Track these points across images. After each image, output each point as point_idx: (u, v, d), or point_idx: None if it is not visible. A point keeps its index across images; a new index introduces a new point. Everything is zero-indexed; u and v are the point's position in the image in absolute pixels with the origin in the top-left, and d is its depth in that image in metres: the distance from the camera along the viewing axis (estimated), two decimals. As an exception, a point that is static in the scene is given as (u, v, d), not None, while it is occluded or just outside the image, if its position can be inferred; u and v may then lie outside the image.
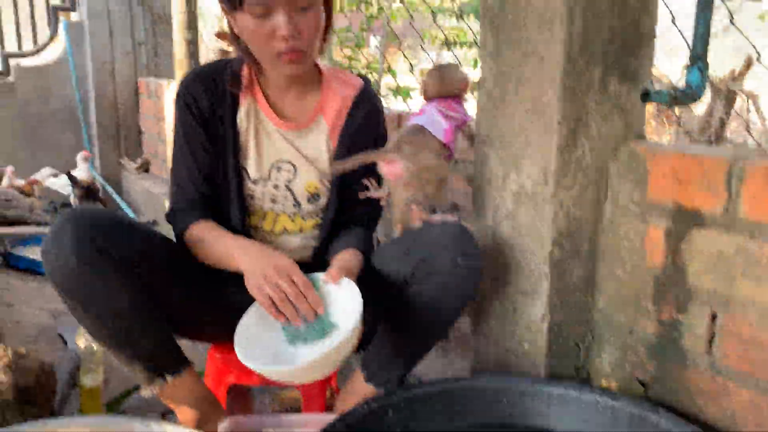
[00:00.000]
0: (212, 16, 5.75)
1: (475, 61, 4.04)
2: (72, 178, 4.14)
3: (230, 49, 3.48)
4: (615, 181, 1.26)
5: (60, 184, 4.14)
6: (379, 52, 4.81)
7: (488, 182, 1.36)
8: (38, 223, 3.33)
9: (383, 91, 4.90)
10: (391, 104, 4.57)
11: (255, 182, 1.39)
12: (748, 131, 4.36)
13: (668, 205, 1.16)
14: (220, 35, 3.33)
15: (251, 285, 1.19)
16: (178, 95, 1.37)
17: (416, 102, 2.81)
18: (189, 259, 1.34)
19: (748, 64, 4.10)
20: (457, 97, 1.40)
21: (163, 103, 4.07)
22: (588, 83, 1.21)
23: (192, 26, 3.63)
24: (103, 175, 4.54)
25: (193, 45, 3.64)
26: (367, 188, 1.38)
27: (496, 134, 1.32)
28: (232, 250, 1.27)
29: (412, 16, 3.81)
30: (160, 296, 1.26)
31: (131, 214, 4.04)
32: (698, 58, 1.09)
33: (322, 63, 1.42)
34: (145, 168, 4.54)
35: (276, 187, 1.39)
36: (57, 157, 4.50)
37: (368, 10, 4.20)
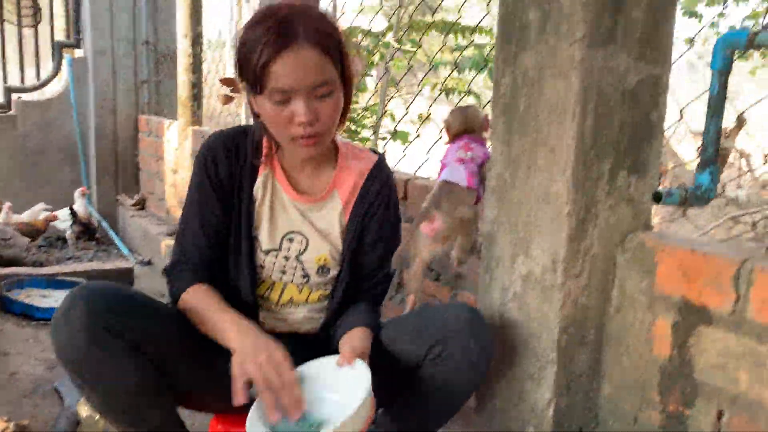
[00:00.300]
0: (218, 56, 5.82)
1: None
2: (74, 213, 4.13)
3: (235, 94, 3.52)
4: (622, 271, 1.28)
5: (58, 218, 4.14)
6: (379, 98, 4.87)
7: (496, 263, 1.37)
8: (34, 263, 3.32)
9: (381, 132, 4.95)
10: (388, 147, 4.61)
11: (266, 252, 1.40)
12: (740, 187, 4.43)
13: (676, 299, 1.18)
14: (226, 81, 3.37)
15: (236, 362, 1.17)
16: (199, 157, 1.39)
17: (413, 147, 2.84)
18: (194, 328, 1.34)
19: (740, 124, 4.17)
20: (478, 135, 1.56)
21: (163, 143, 4.09)
22: (598, 175, 1.23)
23: (196, 69, 3.67)
24: (99, 211, 4.54)
25: (196, 88, 3.68)
26: (382, 264, 1.40)
27: (506, 217, 1.34)
28: (228, 327, 1.26)
29: (411, 66, 3.87)
30: (167, 372, 1.26)
31: (126, 251, 4.03)
32: (710, 161, 1.12)
33: (339, 138, 1.44)
34: (141, 205, 4.54)
35: (287, 258, 1.40)
36: (54, 192, 4.50)
37: (369, 57, 4.26)
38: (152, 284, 3.50)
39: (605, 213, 1.26)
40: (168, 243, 3.69)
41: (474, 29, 4.03)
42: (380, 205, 1.41)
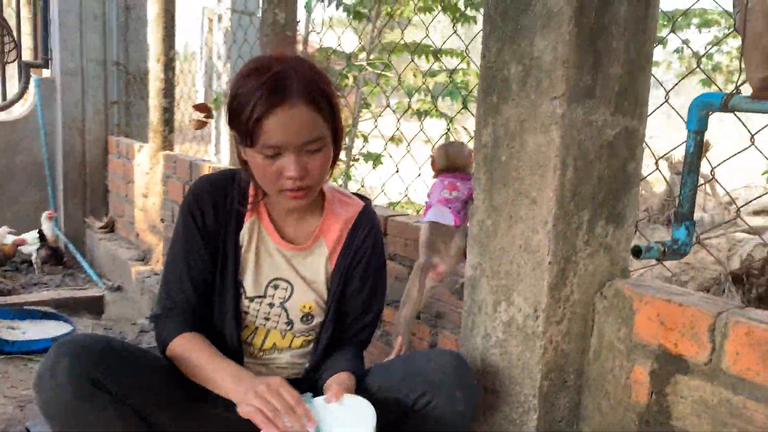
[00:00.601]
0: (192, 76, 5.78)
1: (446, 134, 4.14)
2: (42, 236, 4.05)
3: (207, 120, 3.50)
4: (601, 317, 1.31)
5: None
6: (351, 118, 4.89)
7: (479, 308, 1.39)
8: (0, 291, 3.25)
9: (354, 152, 4.97)
10: (360, 169, 4.63)
11: (251, 299, 1.40)
12: (704, 210, 4.56)
13: (654, 347, 1.22)
14: (199, 107, 3.36)
15: (241, 401, 1.17)
16: (186, 204, 1.39)
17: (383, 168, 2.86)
18: (179, 375, 1.33)
19: (706, 148, 4.28)
20: (462, 170, 1.61)
21: (133, 166, 4.05)
22: (577, 225, 1.27)
23: (168, 94, 3.65)
24: (66, 234, 4.46)
25: (168, 112, 3.65)
26: (366, 309, 1.42)
27: (488, 264, 1.37)
28: (224, 375, 1.26)
29: (387, 95, 3.90)
30: (153, 422, 1.26)
31: (94, 276, 3.96)
32: (685, 217, 1.16)
33: (326, 184, 1.45)
34: (110, 228, 4.48)
35: (271, 305, 1.41)
36: (19, 215, 4.41)
37: (343, 81, 4.28)
38: (123, 311, 3.45)
39: (584, 261, 1.29)
40: (138, 269, 3.65)
41: (438, 52, 4.09)
42: (366, 252, 1.42)
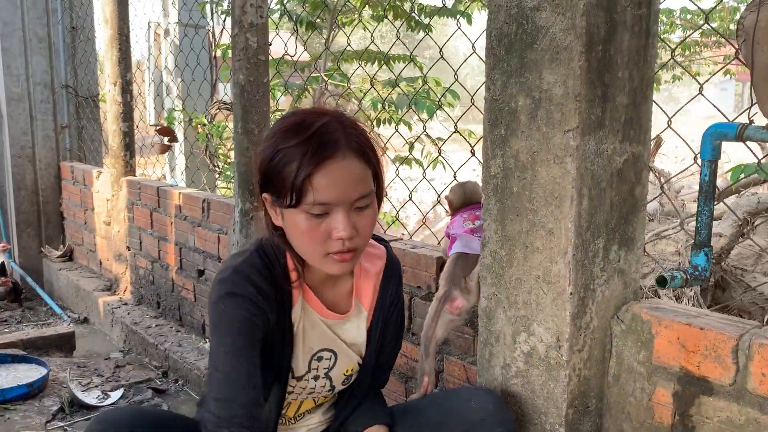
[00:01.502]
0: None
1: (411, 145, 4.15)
2: (3, 270, 3.88)
3: (171, 143, 3.41)
4: (619, 341, 1.33)
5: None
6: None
7: (496, 339, 1.40)
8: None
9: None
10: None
11: (298, 379, 1.33)
12: (661, 204, 4.71)
13: (675, 369, 1.24)
14: (162, 131, 3.27)
15: None
16: (234, 294, 1.20)
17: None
18: None
19: (658, 144, 4.44)
20: (478, 203, 1.58)
21: (92, 192, 3.91)
22: (594, 253, 1.28)
23: (127, 117, 3.54)
24: (22, 266, 4.28)
25: (128, 137, 3.54)
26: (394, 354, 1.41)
27: (504, 294, 1.37)
28: None
29: (354, 103, 3.88)
30: None
31: (58, 309, 3.82)
32: (704, 244, 1.19)
33: None
34: (68, 256, 4.32)
35: (316, 378, 1.34)
36: (-30, 248, 4.20)
37: (303, 94, 4.24)
38: (93, 345, 3.33)
39: (601, 288, 1.31)
40: (106, 299, 3.53)
41: (389, 59, 4.10)
42: (396, 303, 1.40)
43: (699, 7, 1.49)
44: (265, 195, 1.20)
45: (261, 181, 1.18)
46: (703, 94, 1.34)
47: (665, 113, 1.39)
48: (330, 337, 1.33)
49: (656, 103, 1.36)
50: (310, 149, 1.10)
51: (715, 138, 1.14)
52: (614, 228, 1.32)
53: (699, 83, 1.36)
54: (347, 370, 1.37)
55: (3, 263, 3.83)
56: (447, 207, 1.67)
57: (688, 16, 5.43)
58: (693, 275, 1.19)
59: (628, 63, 1.28)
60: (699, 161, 1.25)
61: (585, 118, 1.22)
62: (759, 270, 4.27)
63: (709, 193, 1.16)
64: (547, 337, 1.30)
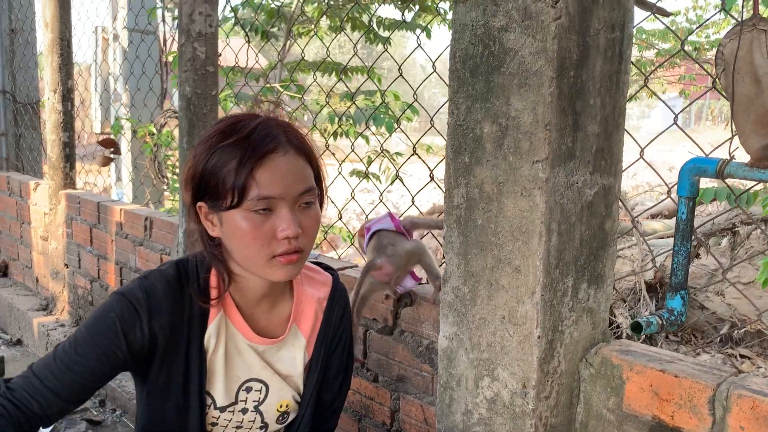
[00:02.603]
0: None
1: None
2: None
3: (114, 156, 3.23)
4: (587, 386, 1.25)
5: None
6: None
7: (457, 383, 1.30)
8: None
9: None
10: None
11: (222, 409, 1.21)
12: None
13: (647, 418, 1.16)
14: (105, 143, 3.09)
15: None
16: (122, 294, 1.12)
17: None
18: None
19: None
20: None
21: (29, 205, 3.69)
22: (563, 292, 1.20)
23: (68, 127, 3.34)
24: (-49, 282, 4.01)
25: (69, 147, 3.34)
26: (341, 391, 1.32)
27: (467, 334, 1.27)
28: None
29: (310, 115, 3.77)
30: None
31: (-12, 330, 3.57)
32: (680, 286, 1.12)
33: None
34: (3, 272, 4.07)
35: (244, 410, 1.23)
36: None
37: (254, 106, 4.12)
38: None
39: (570, 329, 1.22)
40: (41, 320, 3.31)
41: (345, 70, 4.00)
42: (342, 334, 1.30)
43: (675, 32, 1.43)
44: (199, 204, 1.12)
45: (194, 191, 1.12)
46: (679, 126, 1.27)
47: (638, 144, 1.32)
48: (260, 366, 1.22)
49: (629, 133, 1.29)
50: (251, 145, 1.06)
51: (693, 174, 1.07)
52: (584, 265, 1.23)
53: (674, 112, 1.29)
54: (281, 405, 1.25)
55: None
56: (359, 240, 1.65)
57: (643, 36, 5.49)
58: (669, 320, 1.12)
59: (600, 89, 1.20)
60: (673, 196, 1.17)
61: (555, 148, 1.13)
62: (711, 290, 4.30)
63: (686, 232, 1.08)
64: (512, 383, 1.21)
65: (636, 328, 1.09)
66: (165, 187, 4.34)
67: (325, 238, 2.67)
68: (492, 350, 1.23)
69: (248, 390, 1.22)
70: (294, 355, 1.25)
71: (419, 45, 1.80)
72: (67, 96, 3.32)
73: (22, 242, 3.85)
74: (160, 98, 4.54)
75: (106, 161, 3.16)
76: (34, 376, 1.10)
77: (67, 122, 3.33)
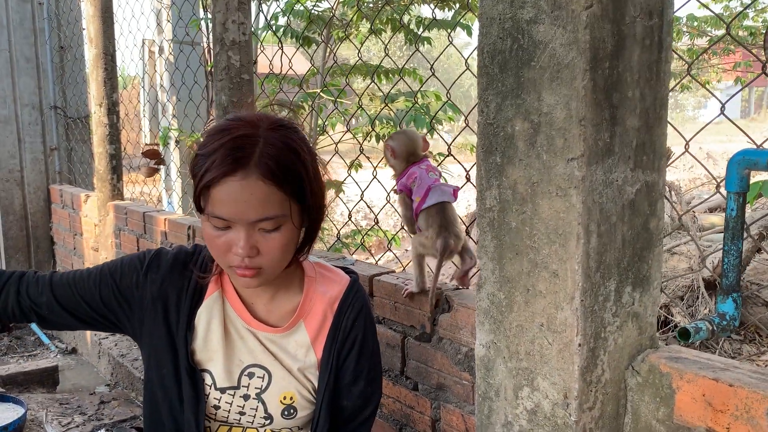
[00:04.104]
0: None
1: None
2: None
3: (159, 166, 3.28)
4: (635, 395, 1.17)
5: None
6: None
7: (496, 393, 1.24)
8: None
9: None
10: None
11: (222, 390, 1.22)
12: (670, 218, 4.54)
13: (701, 430, 1.08)
14: (149, 153, 3.14)
15: None
16: (140, 252, 1.28)
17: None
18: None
19: (667, 156, 4.26)
20: (424, 158, 1.65)
21: (80, 217, 3.78)
22: (605, 297, 1.13)
23: (114, 140, 3.41)
24: (10, 293, 4.15)
25: (115, 159, 3.41)
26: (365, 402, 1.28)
27: (504, 343, 1.22)
28: None
29: (346, 119, 3.75)
30: None
31: (45, 339, 3.68)
32: (732, 289, 1.04)
33: (309, 258, 1.29)
34: (59, 282, 4.18)
35: (245, 396, 1.23)
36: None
37: (299, 110, 4.11)
38: (79, 378, 3.19)
39: (614, 335, 1.15)
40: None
41: (392, 73, 3.96)
42: (356, 338, 1.26)
43: (718, 16, 1.34)
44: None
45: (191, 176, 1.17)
46: (725, 115, 1.19)
47: (683, 136, 1.24)
48: (262, 352, 1.23)
49: (672, 125, 1.21)
50: (216, 161, 1.05)
51: (743, 167, 0.99)
52: (627, 267, 1.16)
53: (720, 101, 1.20)
54: (284, 398, 1.23)
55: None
56: (389, 155, 1.66)
57: (695, 23, 5.28)
58: (720, 325, 1.04)
59: (639, 81, 1.13)
60: (722, 191, 1.09)
61: (591, 144, 1.06)
62: (776, 286, 4.09)
63: (736, 231, 1.00)
64: (553, 393, 1.14)
65: (684, 334, 1.02)
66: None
67: (362, 244, 2.63)
68: (531, 359, 1.17)
69: (250, 375, 1.23)
70: (297, 349, 1.25)
71: (450, 42, 1.75)
72: (112, 109, 3.38)
73: (75, 253, 3.95)
74: (207, 108, 4.60)
75: (152, 172, 3.21)
76: (50, 280, 1.27)
77: (113, 135, 3.40)
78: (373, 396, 1.29)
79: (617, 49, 1.08)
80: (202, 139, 1.14)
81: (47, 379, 2.91)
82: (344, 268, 1.35)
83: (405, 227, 1.69)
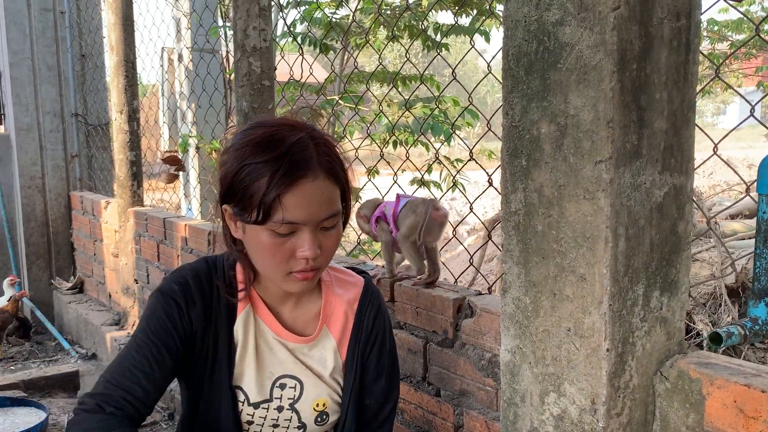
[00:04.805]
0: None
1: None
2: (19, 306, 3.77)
3: (179, 172, 3.30)
4: (663, 401, 1.16)
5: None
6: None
7: (522, 399, 1.23)
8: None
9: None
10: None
11: (255, 406, 1.21)
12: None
13: (732, 438, 1.06)
14: (169, 160, 3.16)
15: None
16: (168, 291, 1.18)
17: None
18: None
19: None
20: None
21: (101, 223, 3.81)
22: (633, 302, 1.11)
23: (134, 146, 3.44)
24: (32, 298, 4.18)
25: (136, 166, 3.44)
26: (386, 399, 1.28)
27: (530, 348, 1.20)
28: None
29: (366, 126, 3.75)
30: None
31: (66, 345, 3.71)
32: (765, 293, 1.02)
33: None
34: (79, 288, 4.22)
35: (279, 408, 1.22)
36: (-21, 282, 4.12)
37: (317, 118, 4.12)
38: (99, 383, 3.21)
39: (642, 341, 1.14)
40: (114, 334, 3.41)
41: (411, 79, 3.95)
42: (377, 336, 1.28)
43: (747, 17, 1.32)
44: (225, 206, 1.13)
45: (222, 193, 1.12)
46: (755, 117, 1.17)
47: (711, 139, 1.22)
48: (292, 363, 1.23)
49: (700, 128, 1.19)
50: (282, 167, 1.04)
51: (775, 169, 0.97)
52: (655, 271, 1.15)
53: (750, 104, 1.19)
54: (317, 405, 1.23)
55: (15, 299, 3.71)
56: (363, 223, 1.82)
57: (715, 28, 5.24)
58: (752, 330, 1.02)
59: (667, 82, 1.12)
60: (753, 195, 1.08)
61: (619, 146, 1.05)
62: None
63: (769, 234, 0.99)
64: (580, 399, 1.13)
65: (715, 339, 1.00)
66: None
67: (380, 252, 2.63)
68: (558, 364, 1.16)
69: (282, 387, 1.22)
70: (325, 356, 1.25)
71: (473, 46, 1.75)
72: (132, 116, 3.41)
73: (95, 259, 3.98)
74: (226, 115, 4.63)
75: (171, 178, 3.24)
76: (113, 386, 1.13)
77: (134, 141, 3.43)
78: (392, 393, 1.30)
79: (645, 51, 1.07)
80: (237, 152, 1.10)
81: (68, 383, 2.93)
82: (353, 268, 1.36)
83: (382, 254, 1.82)
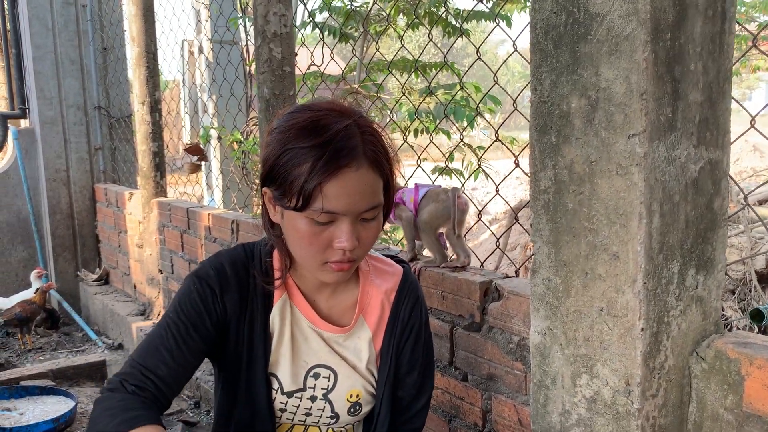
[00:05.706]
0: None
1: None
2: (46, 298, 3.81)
3: (201, 162, 3.30)
4: (700, 383, 1.12)
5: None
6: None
7: (552, 381, 1.20)
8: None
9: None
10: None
11: (289, 394, 1.19)
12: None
13: (773, 419, 1.03)
14: (192, 149, 3.16)
15: None
16: (204, 276, 1.15)
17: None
18: None
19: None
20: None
21: (125, 215, 3.84)
22: (668, 280, 1.08)
23: (157, 137, 3.45)
24: (59, 290, 4.23)
25: (158, 157, 3.45)
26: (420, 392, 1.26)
27: (560, 329, 1.18)
28: None
29: (389, 115, 3.73)
30: None
31: (93, 335, 3.75)
32: (808, 268, 0.98)
33: None
34: (105, 279, 4.26)
35: (312, 398, 1.20)
36: (6, 274, 4.18)
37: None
38: (126, 373, 3.24)
39: (677, 320, 1.11)
40: (139, 324, 3.43)
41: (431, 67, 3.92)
42: (413, 328, 1.24)
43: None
44: (266, 189, 1.09)
45: (263, 175, 1.09)
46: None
47: (748, 112, 1.18)
48: (327, 352, 1.20)
49: (736, 100, 1.15)
50: (326, 155, 1.00)
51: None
52: (691, 249, 1.11)
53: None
54: (351, 395, 1.21)
55: (42, 291, 3.75)
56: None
57: (742, 9, 5.12)
58: (796, 307, 0.98)
59: (702, 53, 1.08)
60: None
61: (653, 119, 1.02)
62: None
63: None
64: (613, 380, 1.10)
65: (756, 316, 0.97)
66: (253, 192, 4.42)
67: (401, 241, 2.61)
68: (590, 345, 1.13)
69: (316, 376, 1.20)
70: (360, 347, 1.22)
71: (497, 25, 1.71)
72: (154, 107, 3.42)
73: (120, 250, 4.02)
74: (247, 105, 4.63)
75: (194, 168, 3.24)
76: (138, 364, 1.11)
77: (156, 132, 3.44)
78: (426, 386, 1.27)
79: (679, 20, 1.03)
80: (280, 135, 1.06)
81: (95, 373, 2.96)
82: (393, 257, 1.33)
83: (405, 238, 1.82)
